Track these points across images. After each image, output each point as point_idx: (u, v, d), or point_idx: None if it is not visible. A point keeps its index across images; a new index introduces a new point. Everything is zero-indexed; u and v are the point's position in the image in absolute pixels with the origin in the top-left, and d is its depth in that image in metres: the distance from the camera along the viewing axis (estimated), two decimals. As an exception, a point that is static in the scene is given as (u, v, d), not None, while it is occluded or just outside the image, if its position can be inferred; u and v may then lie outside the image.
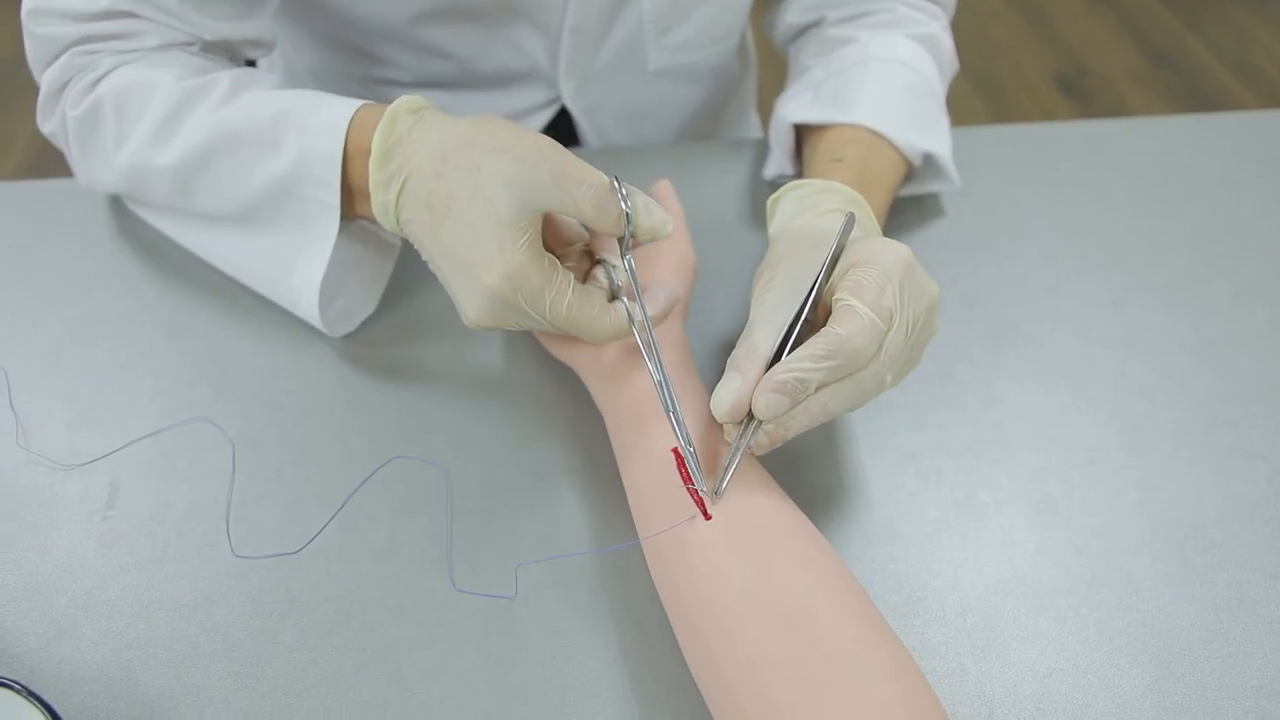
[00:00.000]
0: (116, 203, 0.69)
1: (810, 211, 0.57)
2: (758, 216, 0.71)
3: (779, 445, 0.46)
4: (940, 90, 0.71)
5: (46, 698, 0.40)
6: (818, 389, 0.45)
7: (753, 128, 1.00)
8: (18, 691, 0.39)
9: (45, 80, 0.61)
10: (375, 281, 0.62)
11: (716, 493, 0.44)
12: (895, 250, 0.47)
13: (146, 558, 0.51)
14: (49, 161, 1.99)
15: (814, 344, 0.44)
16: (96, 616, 0.48)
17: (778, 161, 0.71)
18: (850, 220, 0.49)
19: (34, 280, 0.65)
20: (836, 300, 0.46)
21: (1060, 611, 0.50)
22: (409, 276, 0.64)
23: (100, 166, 0.62)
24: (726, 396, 0.45)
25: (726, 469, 0.45)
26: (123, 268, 0.65)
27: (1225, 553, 0.52)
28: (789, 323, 0.47)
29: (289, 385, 0.59)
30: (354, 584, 0.50)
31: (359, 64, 0.80)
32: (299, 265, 0.57)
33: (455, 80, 0.79)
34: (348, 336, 0.61)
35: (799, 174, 0.70)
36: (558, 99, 0.81)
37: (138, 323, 0.62)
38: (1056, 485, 0.55)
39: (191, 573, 0.50)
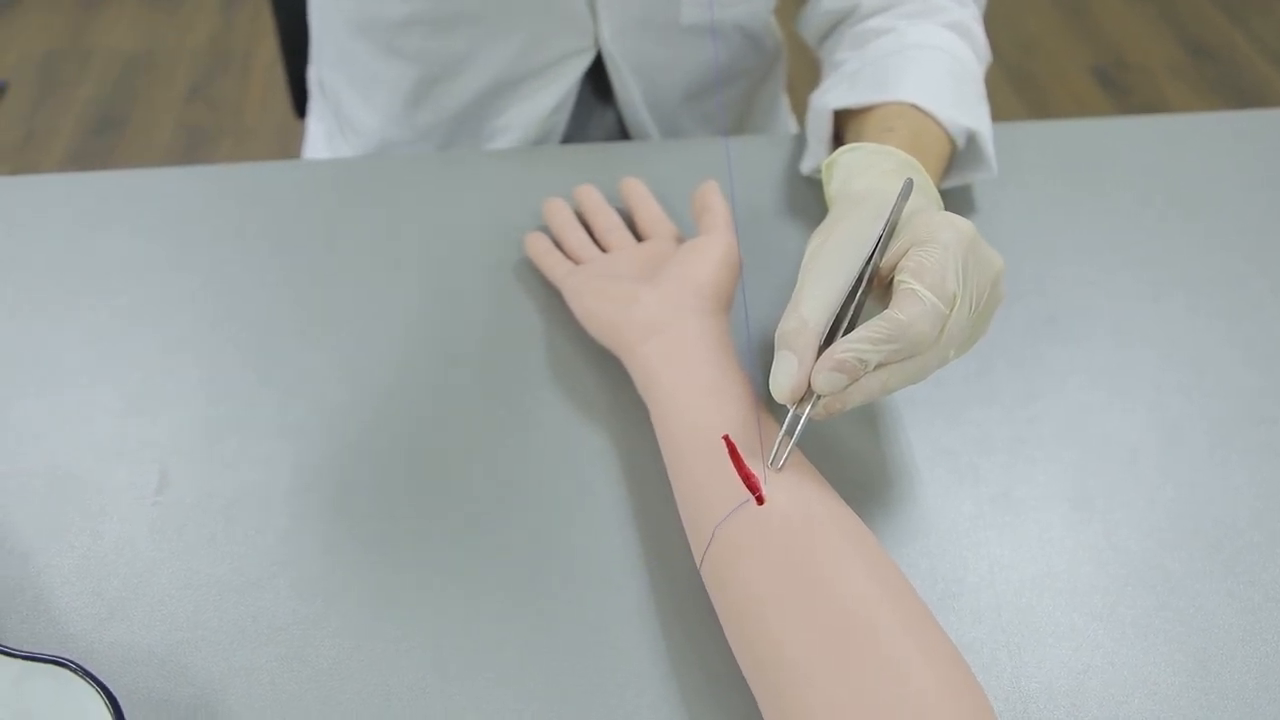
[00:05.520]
0: (160, 194, 0.70)
1: (869, 172, 0.56)
2: (795, 211, 0.71)
3: (834, 416, 0.46)
4: (979, 74, 0.71)
5: (101, 677, 0.41)
6: (877, 367, 0.44)
7: (783, 115, 1.00)
8: (74, 671, 0.41)
9: None
10: None
11: (776, 467, 0.45)
12: (956, 227, 0.46)
13: (195, 542, 0.52)
14: (93, 153, 2.03)
15: (874, 326, 0.44)
16: (147, 599, 0.50)
17: (815, 154, 0.71)
18: (909, 186, 0.48)
19: (81, 270, 0.66)
20: (898, 282, 0.45)
21: (1096, 609, 0.50)
22: (438, 274, 0.65)
23: None
24: (785, 381, 0.44)
25: (784, 444, 0.45)
26: (167, 257, 0.67)
27: (1263, 551, 0.52)
28: (840, 294, 0.46)
29: (333, 373, 0.60)
30: (395, 571, 0.51)
31: None
32: None
33: (486, 14, 0.78)
34: (383, 326, 0.62)
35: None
36: (593, 47, 0.81)
37: (182, 311, 0.63)
38: (1093, 482, 0.55)
39: (239, 558, 0.51)
